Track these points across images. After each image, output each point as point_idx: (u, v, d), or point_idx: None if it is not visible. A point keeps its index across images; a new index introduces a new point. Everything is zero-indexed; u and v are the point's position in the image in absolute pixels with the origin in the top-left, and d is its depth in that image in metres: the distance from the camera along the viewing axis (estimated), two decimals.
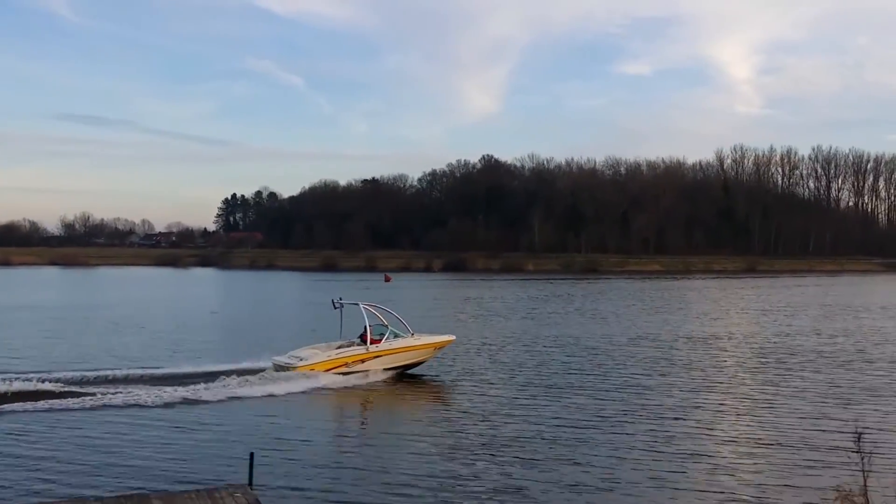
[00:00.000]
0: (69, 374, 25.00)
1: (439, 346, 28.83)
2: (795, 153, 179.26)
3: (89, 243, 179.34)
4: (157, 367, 27.10)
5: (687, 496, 14.49)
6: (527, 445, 17.80)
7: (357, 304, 28.01)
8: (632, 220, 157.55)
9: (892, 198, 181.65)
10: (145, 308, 56.50)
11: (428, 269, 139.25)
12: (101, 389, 23.37)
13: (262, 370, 25.77)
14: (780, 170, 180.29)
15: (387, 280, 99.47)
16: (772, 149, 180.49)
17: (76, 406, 21.37)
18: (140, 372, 26.29)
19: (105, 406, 21.51)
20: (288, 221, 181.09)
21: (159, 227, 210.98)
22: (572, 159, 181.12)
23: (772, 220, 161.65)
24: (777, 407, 22.22)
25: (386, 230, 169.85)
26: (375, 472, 15.81)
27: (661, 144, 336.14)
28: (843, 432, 18.84)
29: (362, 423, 20.86)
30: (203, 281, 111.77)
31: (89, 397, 22.29)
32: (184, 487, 13.70)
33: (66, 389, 23.09)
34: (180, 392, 23.05)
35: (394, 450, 17.62)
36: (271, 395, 23.18)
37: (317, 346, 27.55)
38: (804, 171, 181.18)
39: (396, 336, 27.39)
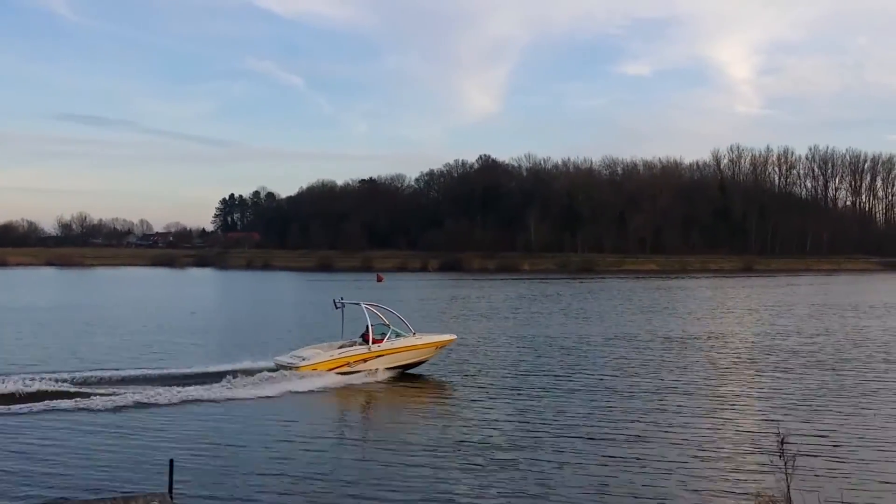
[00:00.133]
0: (27, 377, 24.54)
1: (441, 346, 28.91)
2: (792, 153, 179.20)
3: (86, 243, 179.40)
4: (117, 370, 26.67)
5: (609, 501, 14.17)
6: (464, 449, 17.43)
7: (358, 304, 27.97)
8: (628, 219, 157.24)
9: (890, 197, 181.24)
10: (127, 308, 56.25)
11: (424, 270, 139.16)
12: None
13: (229, 373, 25.00)
14: (776, 169, 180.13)
15: (379, 280, 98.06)
16: (768, 148, 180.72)
17: (23, 411, 20.87)
18: (102, 374, 25.71)
19: (53, 410, 21.07)
20: (285, 221, 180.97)
21: (158, 227, 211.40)
22: (569, 159, 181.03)
23: (769, 220, 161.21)
24: (731, 409, 21.77)
25: (383, 230, 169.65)
26: (315, 478, 15.30)
27: (662, 145, 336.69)
28: (794, 435, 18.54)
29: (321, 427, 20.31)
30: (196, 281, 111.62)
31: (40, 402, 21.72)
32: (111, 495, 13.39)
33: (13, 392, 22.64)
34: (133, 396, 22.67)
35: (347, 455, 17.19)
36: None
37: (319, 345, 27.61)
38: (801, 171, 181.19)
39: (398, 335, 27.41)
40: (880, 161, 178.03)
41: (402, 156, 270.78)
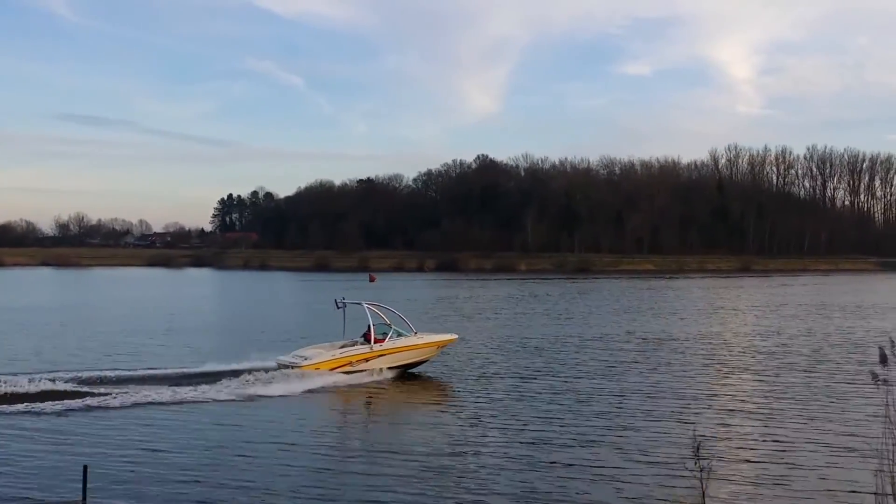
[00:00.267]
0: None
1: (442, 345, 28.93)
2: (790, 152, 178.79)
3: (83, 244, 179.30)
4: (79, 371, 26.33)
5: None
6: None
7: (360, 304, 27.96)
8: (626, 219, 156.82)
9: (888, 197, 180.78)
10: (111, 308, 56.09)
11: (420, 270, 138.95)
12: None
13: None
14: (774, 169, 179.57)
15: (371, 280, 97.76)
16: (766, 148, 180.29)
17: None
18: (60, 375, 25.54)
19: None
20: (283, 221, 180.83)
21: (157, 227, 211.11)
22: (566, 159, 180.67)
23: (766, 220, 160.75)
24: (683, 411, 21.23)
25: (380, 230, 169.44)
26: (243, 485, 14.93)
27: (662, 145, 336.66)
28: (730, 439, 18.23)
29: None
30: (191, 281, 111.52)
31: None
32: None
33: None
34: (86, 401, 22.31)
35: (280, 461, 16.80)
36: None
37: (320, 345, 27.62)
38: (799, 171, 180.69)
39: (400, 335, 27.46)
40: (878, 161, 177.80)
41: (402, 156, 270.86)
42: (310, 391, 23.85)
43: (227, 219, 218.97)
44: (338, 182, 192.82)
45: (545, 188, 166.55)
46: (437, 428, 19.69)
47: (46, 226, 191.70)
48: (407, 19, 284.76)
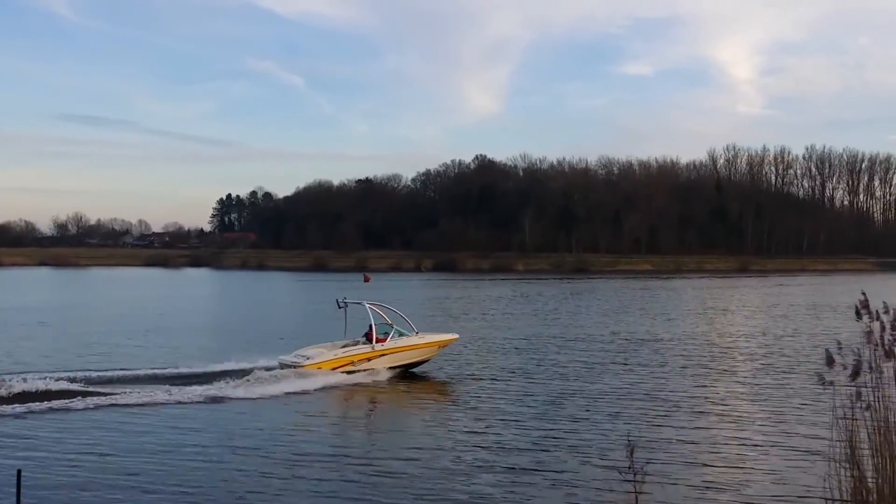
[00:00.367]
0: None
1: (443, 345, 28.95)
2: (789, 152, 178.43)
3: (81, 244, 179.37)
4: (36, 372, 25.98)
5: None
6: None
7: (360, 304, 27.98)
8: (624, 219, 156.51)
9: (888, 197, 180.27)
10: (99, 308, 55.92)
11: (416, 270, 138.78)
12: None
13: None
14: (773, 169, 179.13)
15: (366, 280, 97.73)
16: (765, 148, 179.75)
17: None
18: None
19: None
20: (281, 221, 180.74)
21: (157, 227, 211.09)
22: (564, 159, 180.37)
23: (765, 220, 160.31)
24: (640, 414, 20.84)
25: (378, 230, 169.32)
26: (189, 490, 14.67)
27: (663, 145, 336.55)
28: (683, 441, 17.89)
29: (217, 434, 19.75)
30: (187, 281, 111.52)
31: None
32: None
33: None
34: (50, 403, 21.91)
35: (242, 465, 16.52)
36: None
37: (322, 345, 27.62)
38: (798, 171, 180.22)
39: (401, 335, 27.53)
40: (878, 161, 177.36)
41: (403, 156, 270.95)
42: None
43: (226, 219, 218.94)
44: (336, 182, 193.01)
45: (543, 188, 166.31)
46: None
47: (45, 226, 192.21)
48: (407, 19, 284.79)
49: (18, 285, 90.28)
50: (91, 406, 21.72)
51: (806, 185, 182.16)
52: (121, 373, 26.20)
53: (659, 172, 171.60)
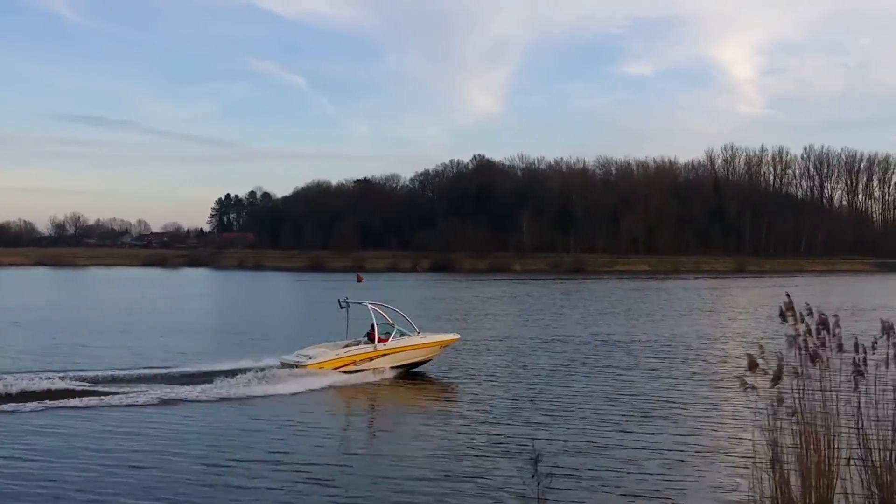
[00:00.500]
0: None
1: (444, 345, 29.08)
2: (787, 153, 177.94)
3: (80, 244, 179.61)
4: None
5: None
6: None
7: (362, 304, 28.11)
8: (621, 220, 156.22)
9: (886, 197, 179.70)
10: (86, 308, 55.84)
11: (412, 270, 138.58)
12: None
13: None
14: (771, 169, 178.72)
15: (359, 280, 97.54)
16: (763, 148, 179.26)
17: None
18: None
19: None
20: (279, 221, 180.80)
21: (156, 227, 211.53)
22: (561, 159, 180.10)
23: (763, 220, 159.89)
24: (580, 418, 20.65)
25: (376, 230, 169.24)
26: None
27: (664, 145, 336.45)
28: (607, 447, 17.61)
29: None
30: (184, 281, 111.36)
31: None
32: None
33: None
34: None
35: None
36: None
37: (324, 344, 27.76)
38: (797, 171, 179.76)
39: (403, 334, 27.63)
40: (876, 161, 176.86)
41: (404, 156, 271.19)
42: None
43: (225, 219, 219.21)
44: (335, 182, 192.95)
45: (541, 188, 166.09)
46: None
47: (44, 226, 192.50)
48: (408, 19, 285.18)
49: (10, 285, 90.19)
50: (53, 406, 21.45)
51: (804, 185, 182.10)
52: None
53: (657, 172, 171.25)
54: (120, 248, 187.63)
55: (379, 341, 26.80)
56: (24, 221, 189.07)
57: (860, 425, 10.63)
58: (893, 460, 10.29)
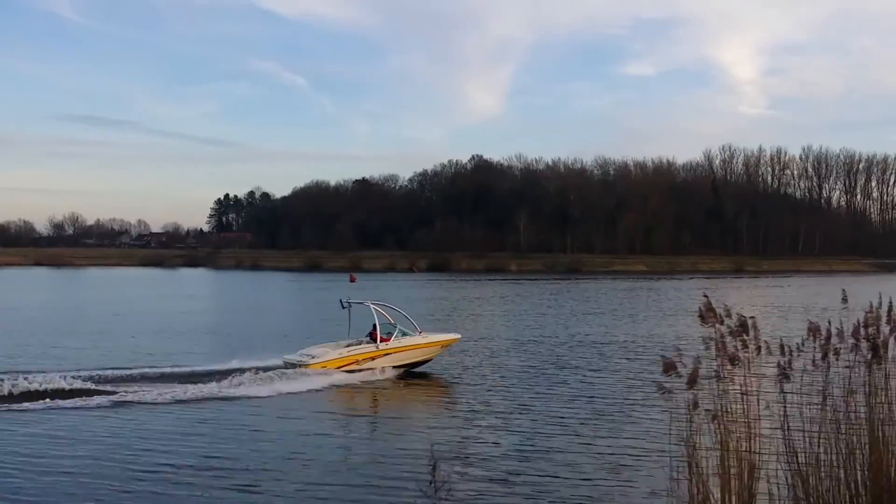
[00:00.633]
0: None
1: (446, 345, 29.43)
2: (785, 153, 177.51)
3: (79, 243, 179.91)
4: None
5: None
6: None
7: (364, 304, 28.47)
8: (619, 220, 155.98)
9: (885, 198, 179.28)
10: (74, 308, 55.85)
11: (409, 270, 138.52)
12: None
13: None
14: (770, 170, 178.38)
15: (352, 280, 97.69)
16: (761, 148, 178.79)
17: None
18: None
19: None
20: (277, 222, 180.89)
21: (156, 227, 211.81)
22: (559, 159, 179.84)
23: (761, 221, 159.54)
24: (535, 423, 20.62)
25: (375, 230, 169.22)
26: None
27: (665, 145, 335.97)
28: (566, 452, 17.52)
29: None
30: (181, 281, 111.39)
31: None
32: None
33: None
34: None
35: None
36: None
37: (327, 344, 27.99)
38: (795, 172, 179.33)
39: (404, 334, 27.89)
40: (875, 161, 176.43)
41: (405, 156, 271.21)
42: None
43: (224, 219, 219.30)
44: (335, 182, 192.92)
45: (539, 188, 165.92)
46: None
47: (44, 226, 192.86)
48: (410, 20, 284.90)
49: (7, 286, 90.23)
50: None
51: (803, 185, 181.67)
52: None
53: (655, 173, 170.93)
54: (118, 249, 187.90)
55: (381, 341, 27.08)
56: (23, 221, 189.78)
57: (786, 426, 10.51)
58: (820, 461, 10.22)
